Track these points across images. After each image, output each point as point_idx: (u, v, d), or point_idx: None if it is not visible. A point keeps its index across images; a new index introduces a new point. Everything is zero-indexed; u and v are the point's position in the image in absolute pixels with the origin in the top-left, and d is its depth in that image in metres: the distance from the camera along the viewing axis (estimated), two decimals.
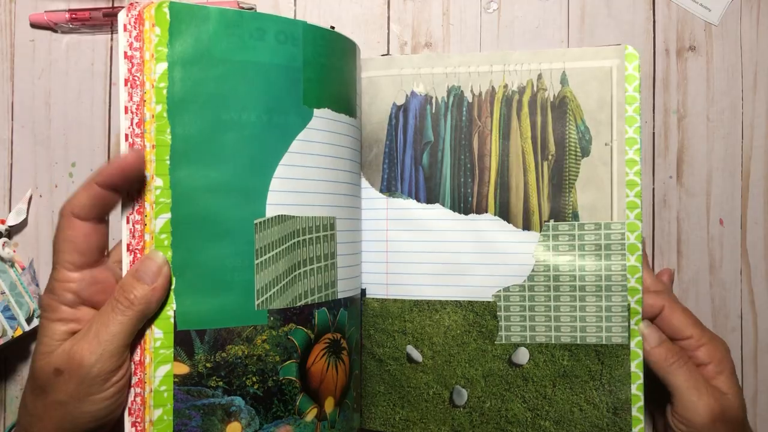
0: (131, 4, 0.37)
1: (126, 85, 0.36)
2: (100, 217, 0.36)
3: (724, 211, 0.50)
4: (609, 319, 0.44)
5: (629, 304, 0.44)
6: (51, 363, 0.34)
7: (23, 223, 0.50)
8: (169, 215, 0.37)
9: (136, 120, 0.36)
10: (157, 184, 0.36)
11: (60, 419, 0.34)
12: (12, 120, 0.50)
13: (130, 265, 0.36)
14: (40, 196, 0.50)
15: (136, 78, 0.37)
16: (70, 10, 0.49)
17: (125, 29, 0.37)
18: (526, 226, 0.46)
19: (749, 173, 0.50)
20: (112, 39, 0.50)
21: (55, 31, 0.50)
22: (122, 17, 0.37)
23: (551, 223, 0.45)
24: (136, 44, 0.37)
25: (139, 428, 0.36)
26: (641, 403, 0.44)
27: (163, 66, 0.37)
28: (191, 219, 0.37)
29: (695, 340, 0.43)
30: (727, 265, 0.50)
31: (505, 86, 0.46)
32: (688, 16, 0.50)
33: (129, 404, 0.36)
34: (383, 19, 0.50)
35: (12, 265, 0.48)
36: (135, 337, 0.36)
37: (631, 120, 0.45)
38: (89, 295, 0.36)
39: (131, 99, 0.36)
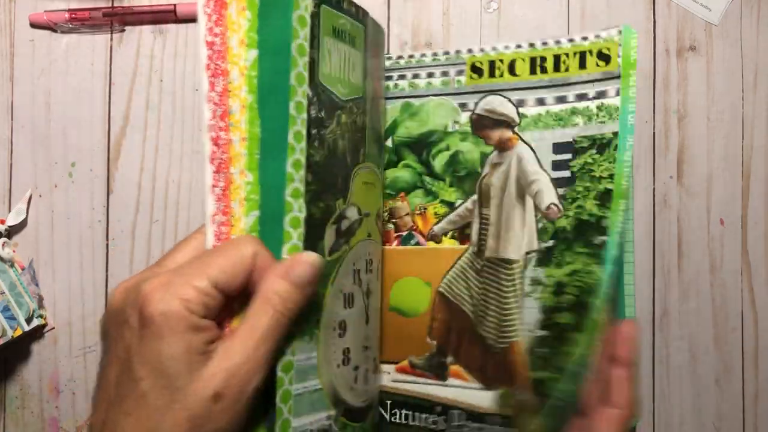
0: None
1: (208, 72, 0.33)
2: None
3: (724, 211, 0.50)
4: None
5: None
6: (206, 386, 0.27)
7: (23, 223, 0.50)
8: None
9: (219, 112, 0.33)
10: (247, 180, 0.33)
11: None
12: (12, 120, 0.50)
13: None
14: (40, 196, 0.50)
15: (218, 67, 0.33)
16: (70, 10, 0.49)
17: (205, 14, 0.33)
18: None
19: (749, 173, 0.50)
20: (111, 39, 0.50)
21: (55, 31, 0.50)
22: (201, 1, 0.33)
23: None
24: (216, 30, 0.33)
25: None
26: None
27: (254, 53, 0.33)
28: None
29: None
30: (728, 265, 0.50)
31: None
32: (688, 16, 0.50)
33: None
34: (383, 19, 0.50)
35: (12, 265, 0.48)
36: None
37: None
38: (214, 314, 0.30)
39: (213, 89, 0.33)
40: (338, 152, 0.36)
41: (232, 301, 0.30)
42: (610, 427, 0.36)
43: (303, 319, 0.32)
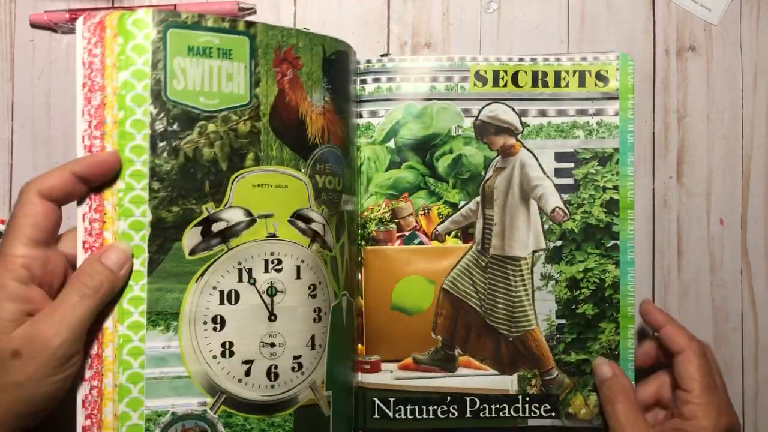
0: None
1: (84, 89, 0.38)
2: (63, 202, 0.37)
3: (724, 211, 0.50)
4: None
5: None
6: (8, 345, 0.34)
7: None
8: (131, 220, 0.38)
9: (94, 123, 0.38)
10: (118, 186, 0.38)
11: (13, 401, 0.34)
12: (12, 120, 0.50)
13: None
14: None
15: (94, 83, 0.38)
16: (70, 10, 0.49)
17: (83, 36, 0.38)
18: None
19: (749, 173, 0.50)
20: None
21: (55, 31, 0.50)
22: (80, 25, 0.38)
23: None
24: (95, 51, 0.38)
25: (95, 420, 0.37)
26: None
27: (123, 75, 0.38)
28: (124, 220, 0.38)
29: (690, 395, 0.41)
30: (728, 265, 0.50)
31: None
32: (688, 16, 0.50)
33: (83, 397, 0.37)
34: (383, 19, 0.50)
35: None
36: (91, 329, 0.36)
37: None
38: (41, 275, 0.36)
39: (90, 103, 0.38)
40: (202, 159, 0.39)
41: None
42: (692, 363, 0.42)
43: (152, 310, 0.38)
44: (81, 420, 0.37)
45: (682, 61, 0.50)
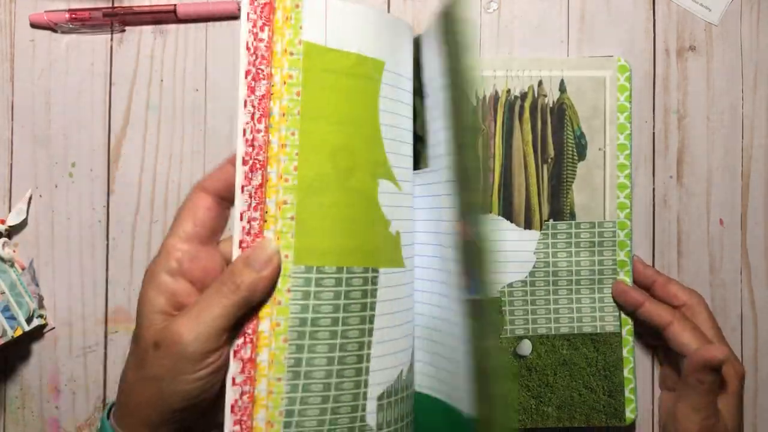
0: None
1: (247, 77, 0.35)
2: (225, 198, 0.36)
3: (724, 211, 0.50)
4: (602, 310, 0.48)
5: None
6: (151, 337, 0.34)
7: (23, 223, 0.50)
8: (294, 213, 0.35)
9: (257, 115, 0.35)
10: (287, 184, 0.35)
11: (153, 395, 0.33)
12: (12, 120, 0.50)
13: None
14: (40, 196, 0.50)
15: (260, 71, 0.35)
16: (70, 10, 0.49)
17: (249, 19, 0.35)
18: (528, 225, 0.48)
19: (749, 173, 0.50)
20: (111, 39, 0.50)
21: (55, 31, 0.50)
22: (246, 4, 0.35)
23: (550, 222, 0.48)
24: (261, 35, 0.35)
25: (245, 426, 0.35)
26: (633, 385, 0.47)
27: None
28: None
29: None
30: (727, 265, 0.50)
31: (508, 91, 0.48)
32: (688, 16, 0.50)
33: (232, 401, 0.34)
34: None
35: (12, 265, 0.48)
36: (243, 330, 0.35)
37: (622, 127, 0.48)
38: (190, 269, 0.35)
39: (253, 93, 0.35)
40: None
41: None
42: (685, 333, 0.44)
43: None
44: (229, 425, 0.34)
45: (682, 61, 0.50)
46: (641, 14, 0.50)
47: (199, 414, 0.35)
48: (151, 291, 0.35)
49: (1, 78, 0.50)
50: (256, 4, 0.35)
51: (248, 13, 0.35)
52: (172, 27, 0.50)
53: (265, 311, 0.35)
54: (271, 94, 0.35)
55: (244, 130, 0.35)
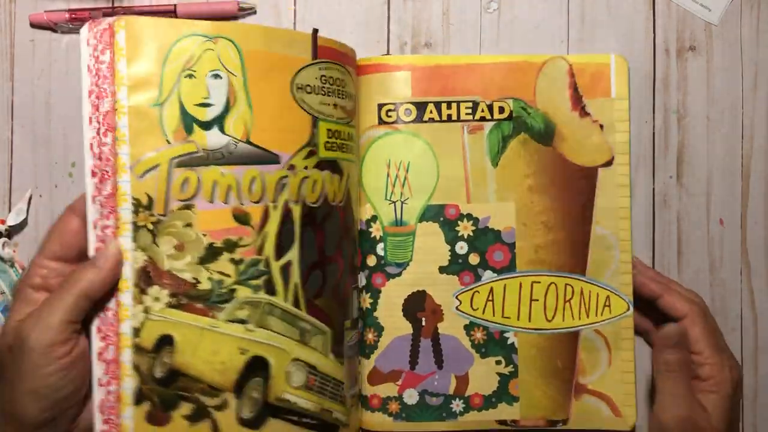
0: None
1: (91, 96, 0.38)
2: None
3: (724, 211, 0.50)
4: None
5: None
6: (5, 341, 0.36)
7: (23, 223, 0.50)
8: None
9: (102, 129, 0.38)
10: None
11: (12, 399, 0.35)
12: (12, 120, 0.50)
13: None
14: (40, 196, 0.50)
15: (102, 90, 0.38)
16: (70, 10, 0.49)
17: (89, 44, 0.38)
18: None
19: (749, 173, 0.50)
20: None
21: (55, 31, 0.50)
22: (85, 33, 0.39)
23: None
24: (102, 57, 0.38)
25: (113, 424, 0.37)
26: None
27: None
28: None
29: (702, 357, 0.43)
30: (727, 265, 0.50)
31: None
32: (688, 16, 0.50)
33: (99, 402, 0.37)
34: (383, 19, 0.50)
35: (12, 265, 0.48)
36: (105, 332, 0.37)
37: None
38: (55, 284, 0.38)
39: (97, 109, 0.38)
40: None
41: None
42: (697, 326, 0.44)
43: None
44: (99, 425, 0.37)
45: (682, 61, 0.50)
46: (641, 14, 0.50)
47: (63, 421, 0.37)
48: (16, 303, 0.37)
49: (1, 78, 0.50)
50: (95, 30, 0.38)
51: (88, 39, 0.38)
52: None
53: (124, 314, 0.37)
54: (116, 110, 0.38)
55: (91, 145, 0.38)
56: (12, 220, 0.49)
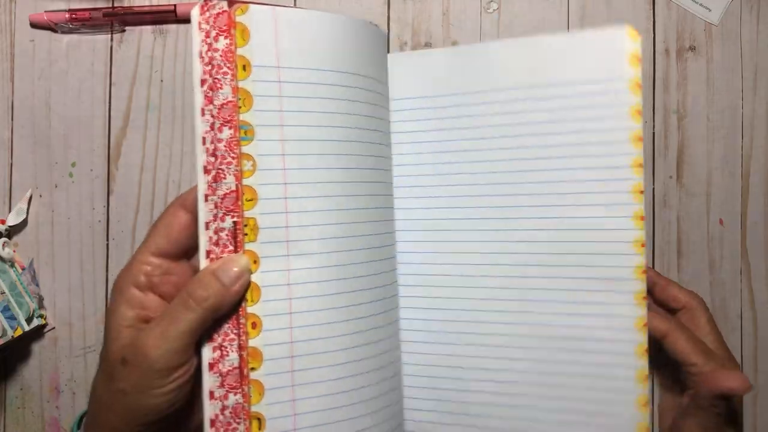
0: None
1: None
2: None
3: (724, 211, 0.50)
4: None
5: None
6: (119, 351, 0.34)
7: (23, 223, 0.50)
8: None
9: (218, 124, 0.35)
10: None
11: (123, 409, 0.33)
12: (12, 120, 0.50)
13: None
14: (40, 196, 0.50)
15: (216, 80, 0.35)
16: (70, 10, 0.49)
17: (201, 29, 0.35)
18: None
19: (749, 173, 0.50)
20: (111, 39, 0.50)
21: (55, 31, 0.50)
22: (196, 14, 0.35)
23: None
24: (216, 44, 0.35)
25: None
26: None
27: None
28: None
29: (698, 367, 0.42)
30: (727, 265, 0.50)
31: None
32: (688, 16, 0.50)
33: (212, 416, 0.34)
34: (383, 19, 0.50)
35: (12, 265, 0.48)
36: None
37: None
38: (160, 282, 0.35)
39: (211, 102, 0.35)
40: None
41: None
42: (703, 318, 0.44)
43: None
44: None
45: (682, 61, 0.50)
46: (641, 14, 0.50)
47: (167, 426, 0.35)
48: (121, 305, 0.35)
49: (1, 78, 0.50)
50: (207, 14, 0.35)
51: (199, 23, 0.34)
52: (172, 27, 0.50)
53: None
54: (237, 105, 0.35)
55: (204, 139, 0.34)
56: (12, 220, 0.49)
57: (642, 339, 0.38)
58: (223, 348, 0.34)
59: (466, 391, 0.41)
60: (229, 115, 0.34)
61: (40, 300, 0.49)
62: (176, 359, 0.33)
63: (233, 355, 0.34)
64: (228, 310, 0.34)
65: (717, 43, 0.50)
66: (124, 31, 0.50)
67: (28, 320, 0.48)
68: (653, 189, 0.50)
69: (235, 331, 0.35)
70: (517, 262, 0.41)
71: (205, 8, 0.34)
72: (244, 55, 0.35)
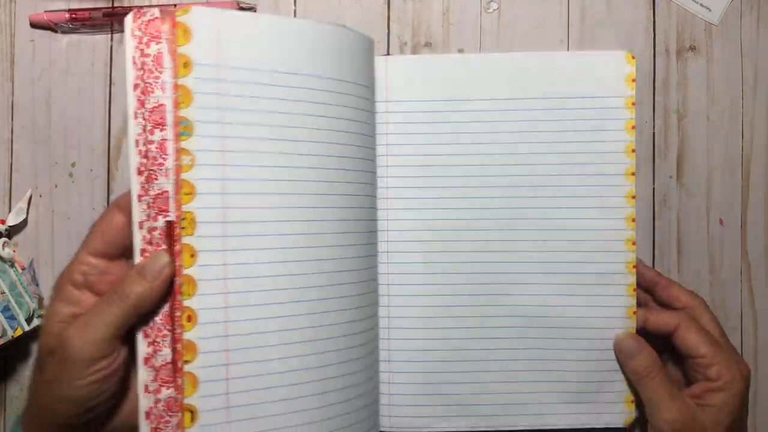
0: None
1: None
2: None
3: (724, 211, 0.50)
4: None
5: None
6: (47, 342, 0.35)
7: (23, 223, 0.50)
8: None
9: (149, 127, 0.36)
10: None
11: (49, 399, 0.35)
12: (12, 120, 0.50)
13: None
14: (40, 196, 0.50)
15: (148, 85, 0.36)
16: (70, 10, 0.49)
17: (134, 36, 0.36)
18: None
19: (749, 173, 0.50)
20: (111, 39, 0.50)
21: (55, 31, 0.50)
22: (129, 22, 0.36)
23: None
24: (148, 50, 0.36)
25: None
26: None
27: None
28: None
29: (708, 359, 0.42)
30: (727, 265, 0.50)
31: None
32: (688, 16, 0.50)
33: (147, 409, 0.35)
34: (383, 19, 0.50)
35: (12, 265, 0.48)
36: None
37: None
38: (97, 281, 0.36)
39: (143, 106, 0.36)
40: None
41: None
42: (705, 317, 0.44)
43: None
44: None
45: (682, 61, 0.50)
46: (641, 14, 0.50)
47: (97, 418, 0.36)
48: (57, 302, 0.36)
49: (1, 78, 0.50)
50: (140, 21, 0.36)
51: (132, 29, 0.36)
52: None
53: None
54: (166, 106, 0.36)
55: (137, 141, 0.36)
56: (12, 220, 0.49)
57: (631, 325, 0.45)
58: (156, 343, 0.36)
59: (458, 383, 0.46)
60: (160, 118, 0.36)
61: (40, 300, 0.49)
62: (97, 351, 0.34)
63: (166, 350, 0.36)
64: (153, 305, 0.36)
65: (717, 43, 0.50)
66: (124, 31, 0.50)
67: (28, 320, 0.48)
68: (653, 189, 0.50)
69: (168, 327, 0.36)
70: (519, 260, 0.45)
71: (138, 16, 0.36)
72: (185, 54, 0.36)
